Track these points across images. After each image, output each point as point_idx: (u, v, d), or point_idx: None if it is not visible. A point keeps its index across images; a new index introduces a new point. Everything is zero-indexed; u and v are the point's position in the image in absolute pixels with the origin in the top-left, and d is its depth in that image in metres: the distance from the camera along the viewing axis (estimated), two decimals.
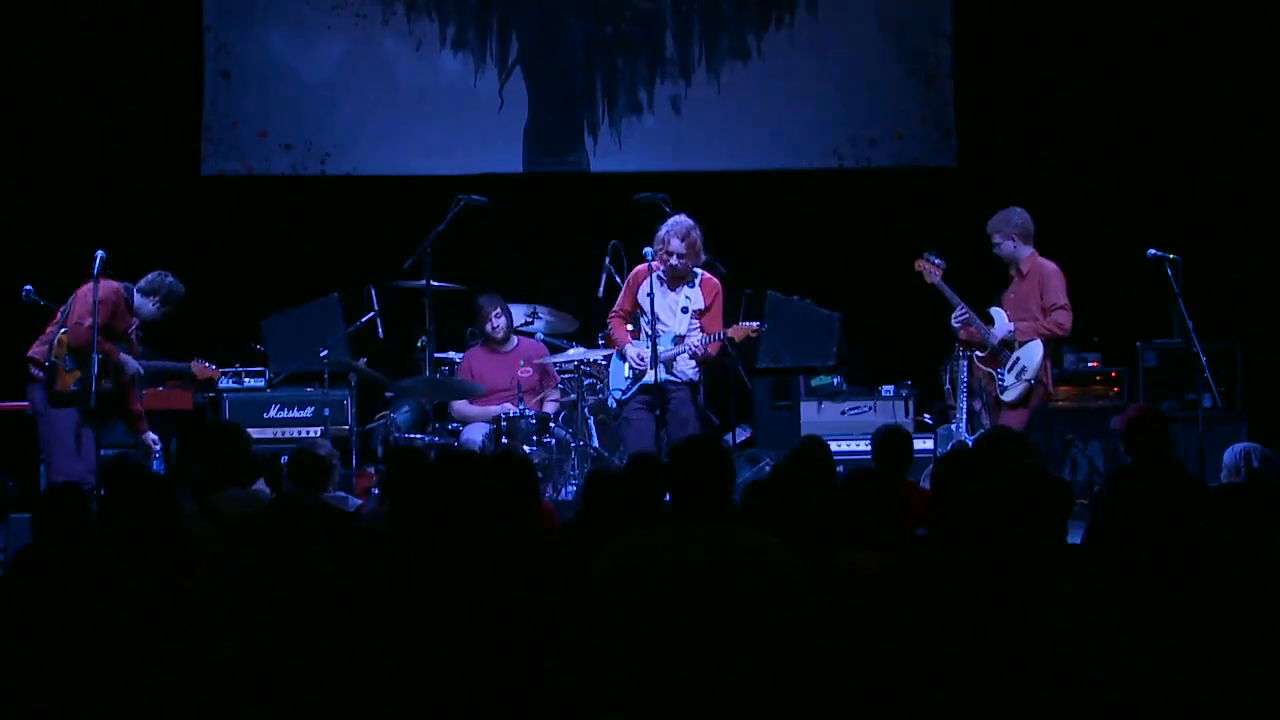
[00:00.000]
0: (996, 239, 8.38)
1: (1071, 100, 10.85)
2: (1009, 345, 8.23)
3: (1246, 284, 10.30)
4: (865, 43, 11.03)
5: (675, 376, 8.24)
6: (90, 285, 7.86)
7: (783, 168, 11.04)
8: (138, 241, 9.45)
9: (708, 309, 8.29)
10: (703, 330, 8.24)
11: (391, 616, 4.52)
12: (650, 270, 8.15)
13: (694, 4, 11.04)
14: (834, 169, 11.06)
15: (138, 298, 8.21)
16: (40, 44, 10.51)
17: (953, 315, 8.30)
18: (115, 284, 8.10)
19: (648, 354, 8.15)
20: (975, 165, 10.96)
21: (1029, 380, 8.17)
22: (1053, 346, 8.40)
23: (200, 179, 10.84)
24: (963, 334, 8.34)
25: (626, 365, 8.35)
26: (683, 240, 8.18)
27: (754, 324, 8.48)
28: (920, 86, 11.04)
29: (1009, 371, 8.24)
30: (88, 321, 7.79)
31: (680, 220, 8.28)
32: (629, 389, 8.32)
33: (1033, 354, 8.21)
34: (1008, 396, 8.20)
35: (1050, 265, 8.33)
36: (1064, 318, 8.22)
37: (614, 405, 8.51)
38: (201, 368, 8.95)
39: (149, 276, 8.27)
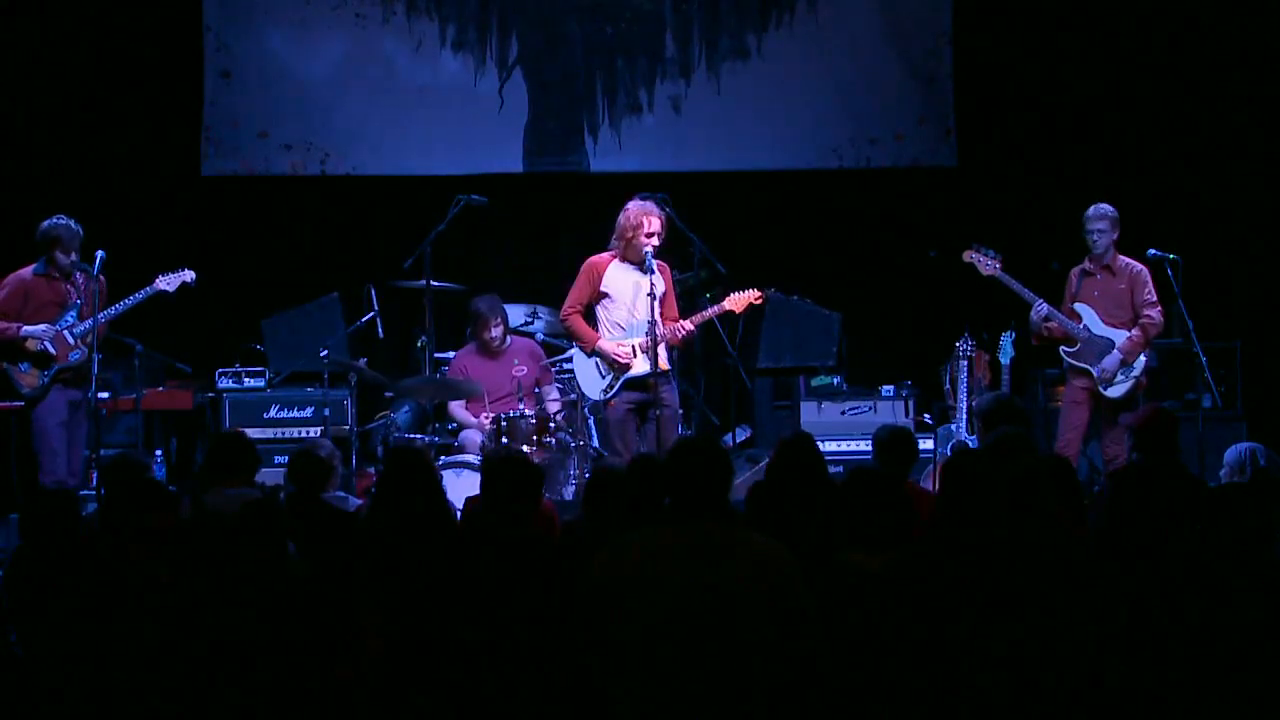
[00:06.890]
0: (1103, 225, 8.35)
1: (1071, 100, 10.84)
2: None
3: (1246, 284, 10.30)
4: (865, 42, 11.01)
5: (661, 366, 8.02)
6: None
7: (783, 168, 11.01)
8: (138, 241, 9.44)
9: (666, 294, 8.09)
10: (663, 317, 8.00)
11: (390, 615, 4.51)
12: (647, 262, 7.96)
13: (694, 4, 11.02)
14: (834, 169, 11.03)
15: (60, 256, 8.22)
16: (40, 44, 10.50)
17: (1032, 310, 8.27)
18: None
19: (626, 347, 8.04)
20: (975, 165, 10.95)
21: (1137, 376, 8.24)
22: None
23: (200, 179, 10.84)
24: (1043, 330, 8.31)
25: (596, 362, 8.11)
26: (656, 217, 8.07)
27: (754, 291, 8.31)
28: (920, 86, 11.02)
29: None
30: None
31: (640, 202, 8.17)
32: (614, 386, 8.09)
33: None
34: (1113, 392, 8.24)
35: (1141, 265, 8.38)
36: (1160, 315, 8.31)
37: (596, 402, 8.30)
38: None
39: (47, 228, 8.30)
